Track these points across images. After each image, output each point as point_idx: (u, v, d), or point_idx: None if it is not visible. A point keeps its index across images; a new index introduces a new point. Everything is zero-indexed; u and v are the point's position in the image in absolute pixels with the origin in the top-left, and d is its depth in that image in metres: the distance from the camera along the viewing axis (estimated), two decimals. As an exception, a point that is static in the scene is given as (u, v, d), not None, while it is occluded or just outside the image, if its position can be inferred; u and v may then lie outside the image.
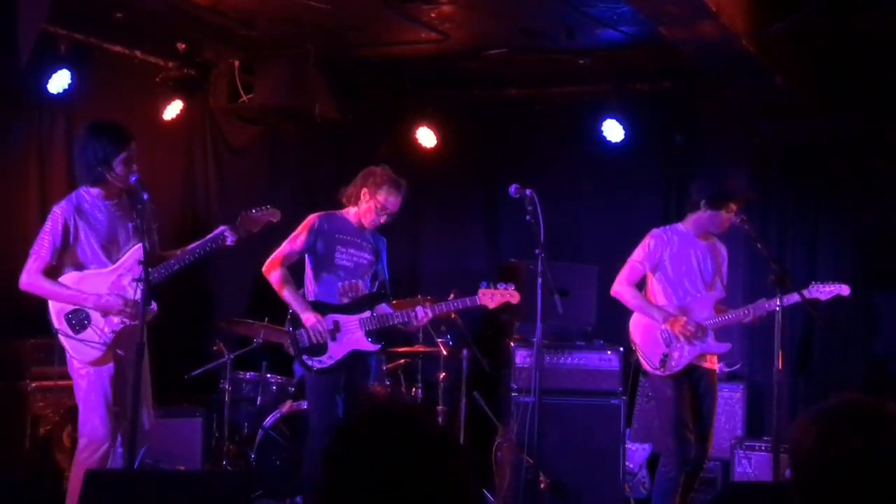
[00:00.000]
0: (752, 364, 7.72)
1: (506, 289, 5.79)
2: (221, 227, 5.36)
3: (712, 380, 6.04)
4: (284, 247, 5.84)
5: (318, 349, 5.75)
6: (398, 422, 1.66)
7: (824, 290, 5.79)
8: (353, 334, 5.80)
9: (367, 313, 5.83)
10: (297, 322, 5.79)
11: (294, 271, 5.94)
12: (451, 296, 7.06)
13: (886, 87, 7.35)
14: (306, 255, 5.89)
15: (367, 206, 5.85)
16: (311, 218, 5.89)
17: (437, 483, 1.60)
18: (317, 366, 5.75)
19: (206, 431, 6.89)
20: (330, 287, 5.85)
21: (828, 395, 1.99)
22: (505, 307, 5.90)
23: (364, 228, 5.93)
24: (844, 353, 7.77)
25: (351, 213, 5.93)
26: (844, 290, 5.82)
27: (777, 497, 3.72)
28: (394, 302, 6.12)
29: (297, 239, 5.84)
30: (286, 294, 5.82)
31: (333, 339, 5.75)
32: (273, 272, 5.82)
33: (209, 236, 5.36)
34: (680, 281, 6.01)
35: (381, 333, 5.90)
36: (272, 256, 5.84)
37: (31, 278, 5.16)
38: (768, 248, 6.03)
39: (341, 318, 5.80)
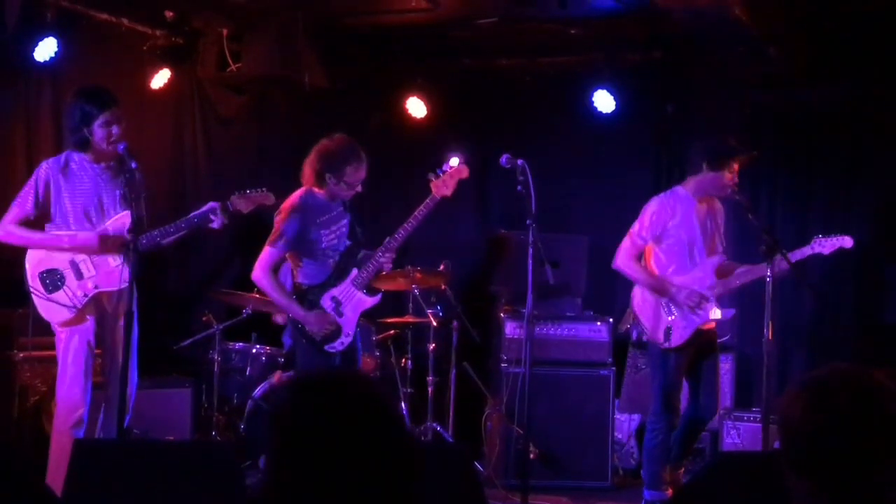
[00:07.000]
0: (741, 335, 7.72)
1: (451, 168, 5.66)
2: (211, 204, 5.29)
3: (712, 339, 6.03)
4: (268, 251, 5.53)
5: (333, 334, 5.63)
6: (337, 385, 1.82)
7: (826, 244, 5.77)
8: (354, 298, 5.68)
9: (354, 271, 5.69)
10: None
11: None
12: (442, 266, 7.06)
13: (878, 57, 7.33)
14: None
15: (336, 189, 5.57)
16: (283, 218, 5.53)
17: (377, 437, 1.76)
18: (342, 348, 5.65)
19: (196, 402, 6.88)
20: (321, 269, 5.65)
21: (818, 366, 1.98)
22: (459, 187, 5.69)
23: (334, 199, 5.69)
24: (835, 324, 7.78)
25: (320, 191, 5.62)
26: (847, 241, 5.79)
27: (766, 467, 3.73)
28: (383, 273, 6.05)
29: (277, 243, 5.52)
30: (280, 301, 5.66)
31: (340, 315, 5.65)
32: (263, 280, 5.56)
33: (197, 212, 5.31)
34: (682, 250, 5.93)
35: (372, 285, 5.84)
36: (259, 262, 5.55)
37: (5, 227, 5.13)
38: (759, 219, 6.03)
39: (335, 291, 5.66)
